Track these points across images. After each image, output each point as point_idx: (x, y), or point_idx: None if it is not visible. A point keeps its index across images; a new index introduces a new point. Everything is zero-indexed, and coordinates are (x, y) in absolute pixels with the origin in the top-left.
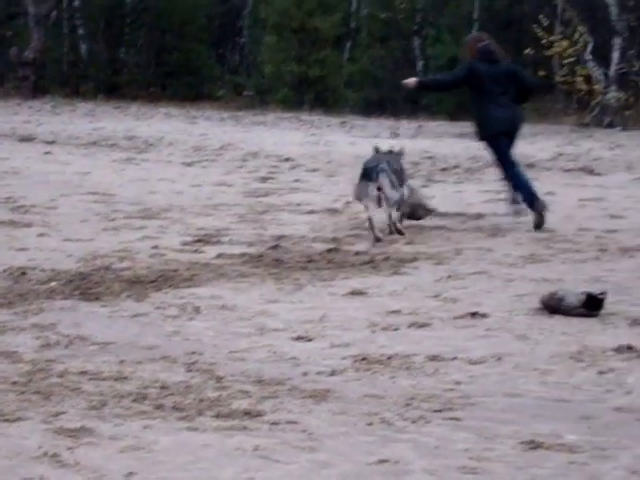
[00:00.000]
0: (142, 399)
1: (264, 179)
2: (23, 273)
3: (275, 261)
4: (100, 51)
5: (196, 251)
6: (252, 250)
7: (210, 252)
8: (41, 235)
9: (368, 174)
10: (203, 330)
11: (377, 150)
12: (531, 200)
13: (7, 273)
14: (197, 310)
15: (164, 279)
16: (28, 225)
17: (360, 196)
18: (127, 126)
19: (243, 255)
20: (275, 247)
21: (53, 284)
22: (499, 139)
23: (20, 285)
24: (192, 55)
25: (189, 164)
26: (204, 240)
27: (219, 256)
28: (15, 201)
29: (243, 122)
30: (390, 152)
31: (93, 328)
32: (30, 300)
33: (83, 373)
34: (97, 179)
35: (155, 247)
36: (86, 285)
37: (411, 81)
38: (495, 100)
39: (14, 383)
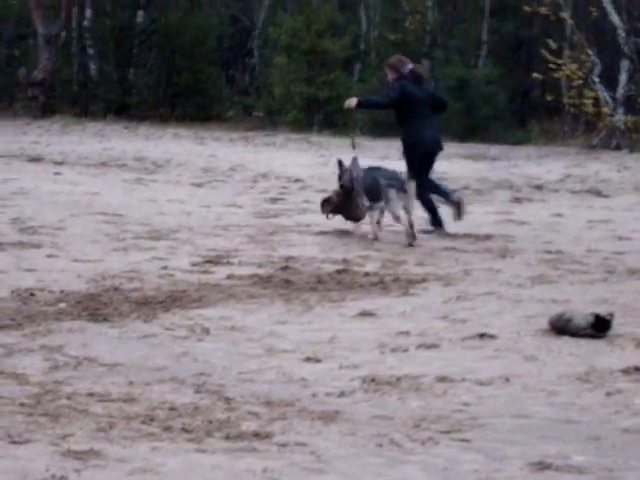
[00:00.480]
0: (150, 421)
1: (274, 200)
2: (31, 294)
3: (284, 282)
4: (110, 71)
5: (205, 272)
6: (261, 271)
7: (219, 273)
8: (50, 256)
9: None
10: (212, 351)
11: (341, 163)
12: (438, 223)
13: (15, 294)
14: (206, 331)
15: (173, 300)
16: (37, 246)
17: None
18: (136, 146)
19: (252, 276)
20: (284, 268)
21: (62, 305)
22: (426, 159)
23: (28, 306)
24: (202, 76)
25: (198, 185)
26: (213, 261)
27: (228, 277)
28: (24, 222)
29: (253, 143)
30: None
31: (102, 349)
32: (38, 321)
33: (91, 395)
34: (106, 199)
35: (164, 268)
36: (95, 306)
37: (352, 101)
38: (425, 121)
39: (22, 405)
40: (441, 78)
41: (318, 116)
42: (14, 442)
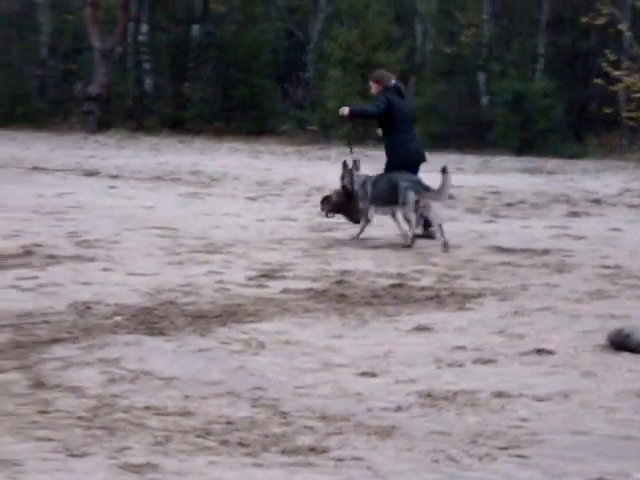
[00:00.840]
0: (207, 435)
1: None
2: (88, 307)
3: (339, 296)
4: (165, 86)
5: (260, 286)
6: (316, 285)
7: (274, 287)
8: (106, 269)
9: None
10: (268, 365)
11: (345, 165)
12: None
13: (72, 307)
14: (262, 345)
15: (229, 314)
16: (93, 259)
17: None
18: (191, 160)
19: (307, 290)
20: (339, 282)
21: (118, 319)
22: (411, 170)
23: (85, 320)
24: (257, 90)
25: (253, 199)
26: (268, 275)
27: (283, 291)
28: (80, 235)
29: (307, 157)
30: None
31: (158, 363)
32: (95, 335)
33: (148, 408)
34: (161, 213)
35: (220, 282)
36: (151, 320)
37: (344, 109)
38: (408, 133)
39: (79, 418)
40: (497, 92)
41: (374, 130)
42: (72, 455)
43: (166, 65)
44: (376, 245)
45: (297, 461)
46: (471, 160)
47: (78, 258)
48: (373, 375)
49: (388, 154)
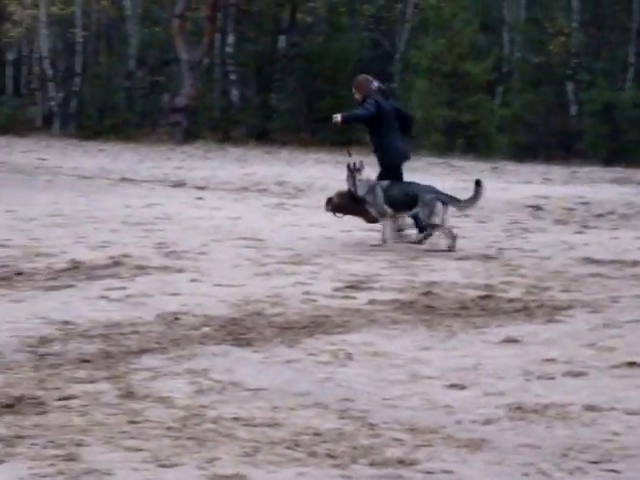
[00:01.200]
0: (295, 446)
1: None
2: (176, 318)
3: (427, 308)
4: (251, 96)
5: (347, 297)
6: (403, 296)
7: (361, 298)
8: (193, 280)
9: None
10: (355, 377)
11: (349, 167)
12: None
13: (160, 318)
14: (349, 356)
15: (316, 325)
16: (180, 270)
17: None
18: (278, 171)
19: (394, 301)
20: (427, 293)
21: (206, 329)
22: (399, 169)
23: (173, 330)
24: (342, 100)
25: None
26: (355, 286)
27: (370, 302)
28: (168, 246)
29: None
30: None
31: (246, 374)
32: (183, 345)
33: (236, 419)
34: (248, 224)
35: (306, 293)
36: (238, 330)
37: (337, 116)
38: (395, 133)
39: (169, 428)
40: (586, 101)
41: (460, 140)
42: (162, 466)
43: (252, 76)
44: (463, 256)
45: (386, 473)
46: (559, 171)
47: (166, 269)
48: (462, 387)
49: (380, 154)
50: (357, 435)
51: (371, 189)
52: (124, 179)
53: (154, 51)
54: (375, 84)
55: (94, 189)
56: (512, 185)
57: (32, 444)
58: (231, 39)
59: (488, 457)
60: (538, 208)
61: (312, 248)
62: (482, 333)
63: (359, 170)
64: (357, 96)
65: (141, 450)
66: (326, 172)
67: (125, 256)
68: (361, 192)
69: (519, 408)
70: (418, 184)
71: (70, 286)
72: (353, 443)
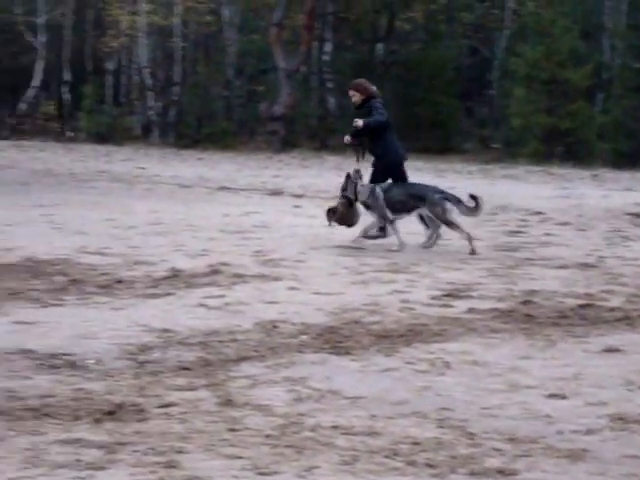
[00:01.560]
0: (394, 455)
1: (513, 233)
2: (274, 326)
3: (526, 316)
4: (348, 105)
5: (445, 305)
6: (502, 305)
7: (459, 306)
8: (291, 288)
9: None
10: (454, 386)
11: (349, 175)
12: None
13: (259, 326)
14: (447, 365)
15: (413, 334)
16: (278, 278)
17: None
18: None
19: (493, 310)
20: (526, 302)
21: (304, 337)
22: (401, 169)
23: (271, 338)
24: (440, 108)
25: None
26: (453, 294)
27: (469, 311)
28: (265, 254)
29: (491, 175)
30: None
31: (344, 382)
32: (281, 353)
33: (335, 427)
34: (345, 233)
35: (404, 301)
36: (336, 339)
37: (359, 122)
38: (394, 135)
39: (268, 436)
40: None
41: (559, 147)
42: (261, 473)
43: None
44: (562, 265)
45: None
46: None
47: (264, 277)
48: (562, 397)
49: (380, 157)
50: (456, 444)
51: (371, 193)
52: (222, 187)
53: (252, 60)
54: (373, 87)
55: (193, 197)
56: (612, 193)
57: (133, 451)
58: (328, 47)
59: (590, 468)
60: (638, 216)
61: (409, 256)
62: (582, 342)
63: (359, 177)
64: (356, 98)
65: (240, 458)
66: (424, 179)
67: (223, 264)
68: (362, 198)
69: (621, 418)
70: (423, 185)
71: (169, 294)
72: (452, 452)
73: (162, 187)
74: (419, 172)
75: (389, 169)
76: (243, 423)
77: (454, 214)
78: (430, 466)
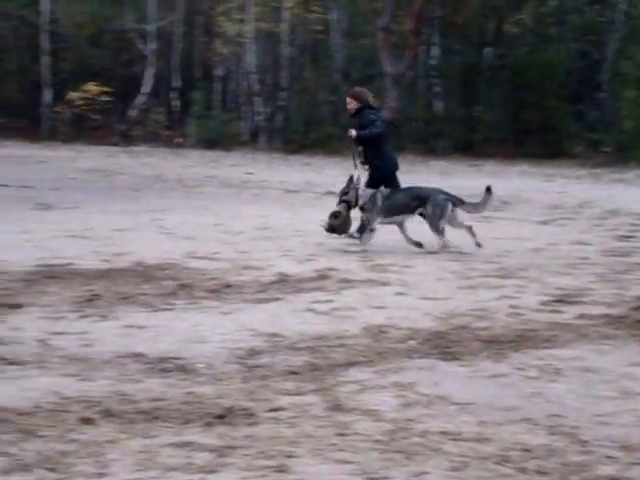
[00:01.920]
0: (504, 461)
1: (624, 238)
2: (382, 331)
3: (638, 322)
4: (455, 109)
5: (555, 311)
6: (614, 311)
7: (569, 312)
8: (398, 294)
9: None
10: (565, 392)
11: (352, 179)
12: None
13: (366, 331)
14: (558, 372)
15: (523, 339)
16: (385, 283)
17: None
18: (482, 184)
19: (604, 316)
20: (638, 308)
21: (411, 343)
22: (394, 177)
23: (379, 343)
24: (549, 112)
25: (545, 222)
26: (563, 300)
27: (579, 316)
28: (372, 260)
29: (602, 180)
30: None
31: (452, 388)
32: (389, 358)
33: (444, 433)
34: (452, 237)
35: (513, 306)
36: (444, 344)
37: (352, 133)
38: (388, 143)
39: (376, 441)
40: None
41: None
42: (371, 479)
43: (457, 88)
44: None
45: None
46: None
47: (371, 282)
48: None
49: (377, 166)
50: (568, 452)
51: (372, 197)
52: (329, 192)
53: (359, 64)
54: (369, 97)
55: (299, 202)
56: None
57: (243, 455)
58: (436, 51)
59: None
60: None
61: (518, 261)
62: None
63: (360, 182)
64: (352, 106)
65: (350, 463)
66: (532, 184)
67: (331, 269)
68: (362, 201)
69: None
70: (426, 187)
71: (277, 299)
72: (564, 460)
73: (270, 192)
74: (525, 176)
75: (384, 177)
76: (352, 428)
77: (446, 220)
78: (541, 473)
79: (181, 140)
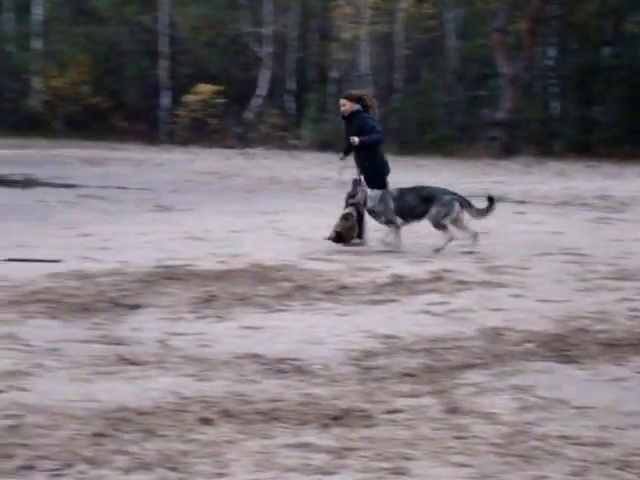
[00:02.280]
0: (626, 467)
1: None
2: (498, 334)
3: None
4: (572, 110)
5: None
6: None
7: None
8: (515, 296)
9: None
10: None
11: (359, 182)
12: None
13: (482, 333)
14: None
15: None
16: (502, 285)
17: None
18: (599, 185)
19: None
20: None
21: (529, 345)
22: (386, 180)
23: (496, 345)
24: None
25: None
26: None
27: None
28: (489, 261)
29: None
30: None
31: (571, 391)
32: (506, 361)
33: (563, 437)
34: (569, 239)
35: (633, 309)
36: (562, 347)
37: (355, 140)
38: (381, 147)
39: (494, 445)
40: None
41: None
42: None
43: (573, 88)
44: None
45: None
46: None
47: (487, 284)
48: None
49: (372, 166)
50: None
51: (381, 199)
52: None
53: (474, 65)
54: (370, 97)
55: None
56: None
57: (360, 456)
58: (552, 52)
59: None
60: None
61: (638, 263)
62: None
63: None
64: (346, 108)
65: (468, 466)
66: None
67: (446, 271)
68: (371, 203)
69: None
70: (434, 187)
71: (392, 300)
72: None
73: None
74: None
75: (376, 180)
76: (469, 431)
77: (451, 220)
78: None
79: (296, 142)
